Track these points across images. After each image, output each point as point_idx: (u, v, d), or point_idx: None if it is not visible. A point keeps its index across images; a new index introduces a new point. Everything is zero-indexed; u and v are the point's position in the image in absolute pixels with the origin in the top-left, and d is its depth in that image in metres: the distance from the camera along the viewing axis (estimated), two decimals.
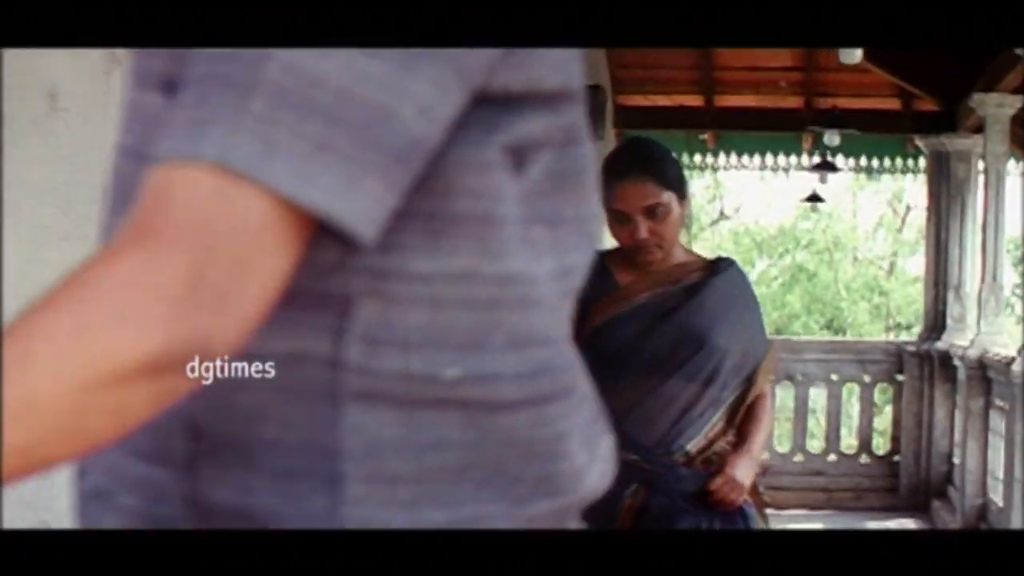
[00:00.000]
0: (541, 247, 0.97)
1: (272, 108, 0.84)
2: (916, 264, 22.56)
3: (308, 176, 0.84)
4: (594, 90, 7.58)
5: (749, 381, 3.07)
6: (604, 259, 3.02)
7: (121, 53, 2.84)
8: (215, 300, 0.82)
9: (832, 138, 9.35)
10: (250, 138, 0.83)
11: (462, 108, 0.91)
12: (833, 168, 10.17)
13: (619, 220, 2.99)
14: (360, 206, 0.85)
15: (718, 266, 3.12)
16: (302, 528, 0.93)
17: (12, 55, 2.82)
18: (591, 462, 1.02)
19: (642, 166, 2.99)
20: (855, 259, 23.49)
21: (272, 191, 0.83)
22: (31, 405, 0.80)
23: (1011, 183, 8.88)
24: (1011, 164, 9.43)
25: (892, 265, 23.38)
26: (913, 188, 20.58)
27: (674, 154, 3.23)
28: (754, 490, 3.08)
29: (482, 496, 0.95)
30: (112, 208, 1.03)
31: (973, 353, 8.29)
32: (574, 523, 1.02)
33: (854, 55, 6.83)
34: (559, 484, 0.98)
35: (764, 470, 3.26)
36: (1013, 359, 7.16)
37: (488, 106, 0.93)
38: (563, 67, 0.97)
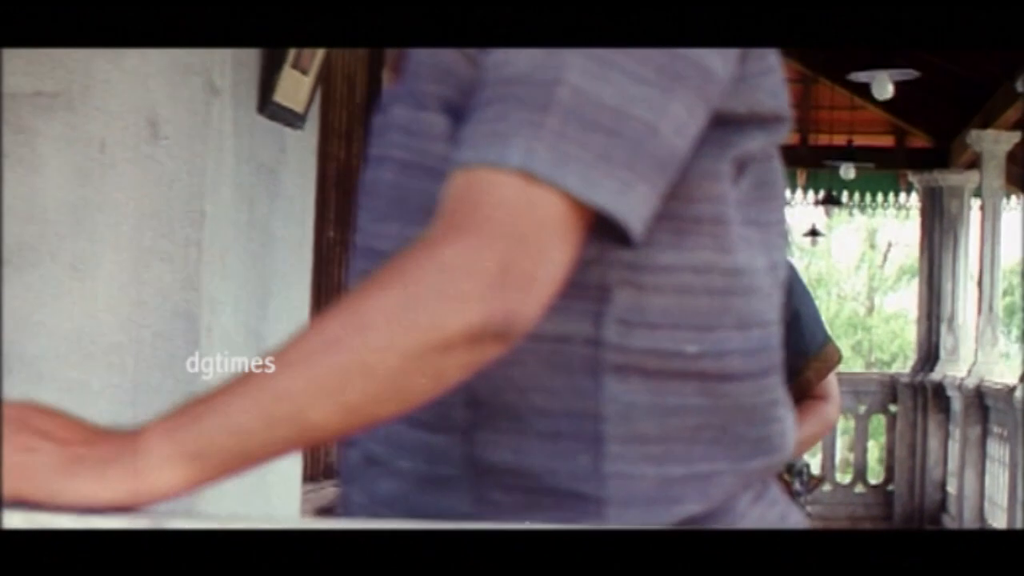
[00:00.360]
0: (755, 245, 1.15)
1: (563, 124, 1.02)
2: (897, 300, 22.81)
3: (594, 181, 1.01)
4: None
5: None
6: None
7: (220, 83, 3.00)
8: (521, 282, 1.00)
9: (848, 171, 9.57)
10: (546, 149, 1.01)
11: (704, 127, 1.09)
12: (838, 202, 10.37)
13: None
14: (634, 207, 1.03)
15: None
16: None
17: (114, 84, 2.98)
18: (790, 428, 1.19)
19: None
20: (836, 296, 23.66)
21: (566, 193, 1.01)
22: (366, 369, 0.98)
23: (1005, 217, 9.09)
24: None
25: (872, 302, 23.59)
26: (894, 225, 20.78)
27: None
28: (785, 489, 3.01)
29: (712, 454, 1.12)
30: (374, 213, 1.19)
31: (970, 382, 8.50)
32: (774, 480, 1.20)
33: (886, 90, 6.97)
34: (774, 443, 1.16)
35: (815, 485, 3.20)
36: (1014, 387, 7.37)
37: (721, 126, 1.11)
38: (777, 94, 1.15)
